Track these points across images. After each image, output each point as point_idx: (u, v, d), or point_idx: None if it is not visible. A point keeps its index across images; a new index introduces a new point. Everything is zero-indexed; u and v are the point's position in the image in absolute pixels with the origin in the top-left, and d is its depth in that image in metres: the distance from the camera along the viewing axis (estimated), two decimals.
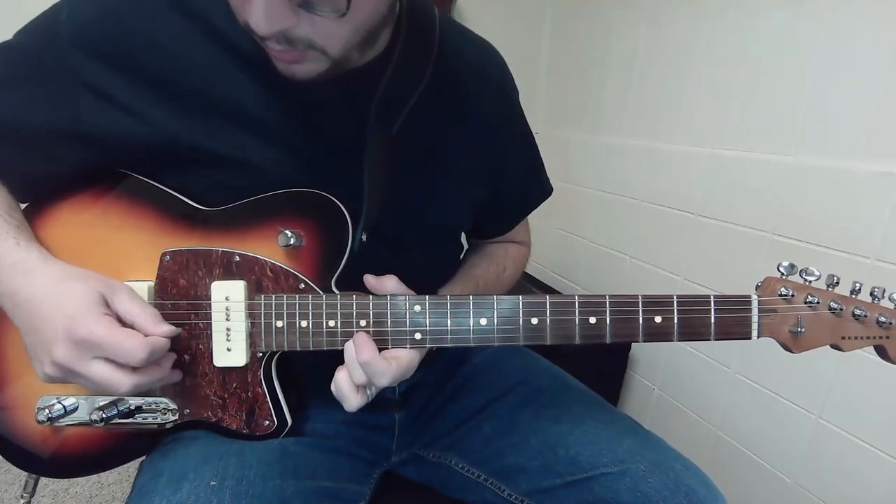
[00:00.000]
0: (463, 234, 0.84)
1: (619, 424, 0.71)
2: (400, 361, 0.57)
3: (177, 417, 0.61)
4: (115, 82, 0.56)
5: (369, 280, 0.59)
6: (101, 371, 0.51)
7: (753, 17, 1.22)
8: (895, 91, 0.97)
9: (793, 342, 0.57)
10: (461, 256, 0.85)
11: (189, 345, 0.60)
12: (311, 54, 0.52)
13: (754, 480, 1.29)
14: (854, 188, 1.03)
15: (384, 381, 0.56)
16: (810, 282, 0.57)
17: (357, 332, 0.57)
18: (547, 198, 0.88)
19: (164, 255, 0.59)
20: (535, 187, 0.86)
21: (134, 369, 0.52)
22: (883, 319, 0.56)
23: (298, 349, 0.59)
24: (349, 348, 0.57)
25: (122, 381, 0.52)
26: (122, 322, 0.54)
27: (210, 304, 0.59)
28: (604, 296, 0.57)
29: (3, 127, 0.59)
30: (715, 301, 0.57)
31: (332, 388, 0.58)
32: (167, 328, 0.55)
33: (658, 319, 0.57)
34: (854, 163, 1.03)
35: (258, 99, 0.59)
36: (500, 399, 0.76)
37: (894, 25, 0.97)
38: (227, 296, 0.58)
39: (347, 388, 0.57)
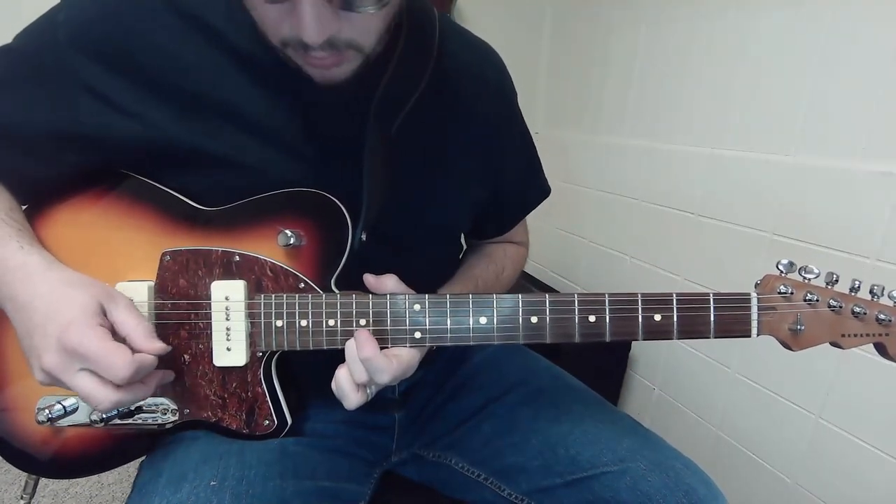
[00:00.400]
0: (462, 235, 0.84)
1: (619, 424, 0.71)
2: (401, 359, 0.57)
3: (176, 417, 0.61)
4: (114, 83, 0.56)
5: (369, 279, 0.59)
6: (84, 384, 0.50)
7: (753, 17, 1.22)
8: (895, 91, 0.97)
9: (792, 340, 0.57)
10: (460, 257, 0.85)
11: (189, 345, 0.60)
12: (350, 54, 0.53)
13: (754, 480, 1.29)
14: (854, 188, 1.03)
15: (385, 378, 0.56)
16: (809, 279, 0.57)
17: (358, 329, 0.57)
18: (545, 198, 0.88)
19: (164, 254, 0.59)
20: (534, 188, 0.86)
21: (118, 386, 0.51)
22: (882, 317, 0.56)
23: (298, 349, 0.59)
24: (350, 345, 0.57)
25: (104, 396, 0.50)
26: (117, 334, 0.53)
27: (210, 303, 0.59)
28: (603, 294, 0.57)
29: (4, 129, 0.59)
30: (714, 299, 0.57)
31: (333, 385, 0.58)
32: (158, 345, 0.54)
33: (657, 318, 0.57)
34: (854, 163, 1.03)
35: (257, 99, 0.59)
36: (500, 398, 0.76)
37: (894, 25, 0.97)
38: (227, 295, 0.58)
39: (348, 385, 0.56)
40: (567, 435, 0.69)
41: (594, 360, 1.51)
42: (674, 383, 1.53)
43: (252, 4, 0.50)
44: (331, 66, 0.53)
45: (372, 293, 0.59)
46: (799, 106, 1.12)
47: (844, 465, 1.09)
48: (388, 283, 0.59)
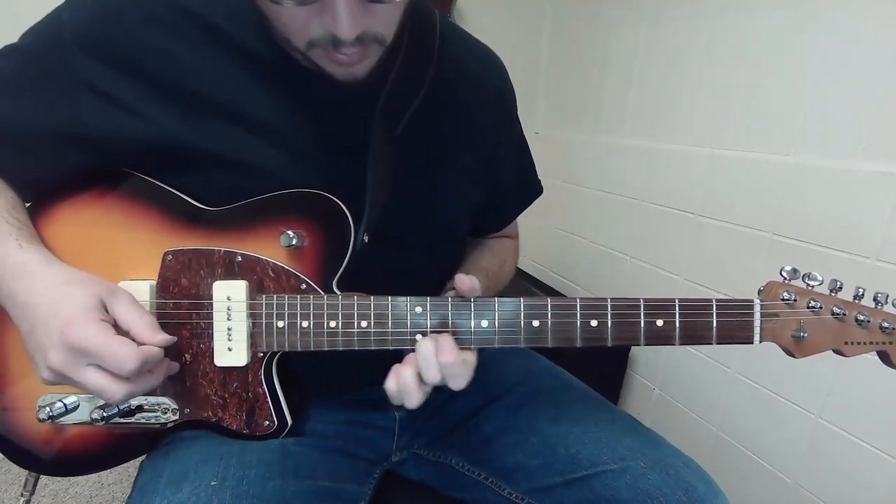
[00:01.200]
0: None
1: (619, 423, 0.71)
2: (471, 365, 0.56)
3: (177, 417, 0.61)
4: (116, 83, 0.56)
5: (463, 282, 0.57)
6: (94, 378, 0.51)
7: (753, 17, 1.22)
8: (895, 91, 0.97)
9: (795, 347, 0.57)
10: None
11: (190, 344, 0.60)
12: (374, 48, 0.54)
13: (754, 480, 1.29)
14: (854, 188, 1.03)
15: (462, 383, 0.55)
16: (813, 286, 0.56)
17: (441, 332, 0.56)
18: (538, 197, 0.90)
19: (166, 254, 0.59)
20: (529, 188, 0.88)
21: (127, 378, 0.52)
22: (886, 325, 0.56)
23: (299, 349, 0.59)
24: (425, 346, 0.55)
25: (115, 389, 0.51)
26: (120, 328, 0.53)
27: (211, 303, 0.59)
28: (605, 299, 0.57)
29: (7, 129, 0.59)
30: (717, 305, 0.56)
31: (390, 384, 0.56)
32: (163, 337, 0.54)
33: (660, 323, 0.57)
34: (854, 163, 1.03)
35: (260, 99, 0.59)
36: (500, 398, 0.76)
37: (894, 25, 0.97)
38: (229, 295, 0.58)
39: (415, 384, 0.55)
40: (567, 434, 0.69)
41: (595, 360, 1.51)
42: (674, 383, 1.53)
43: (273, 10, 0.51)
44: (355, 63, 0.54)
45: (373, 294, 0.59)
46: (799, 106, 1.12)
47: (844, 465, 1.10)
48: (476, 284, 0.58)
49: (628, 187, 1.61)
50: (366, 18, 0.50)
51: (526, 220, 0.92)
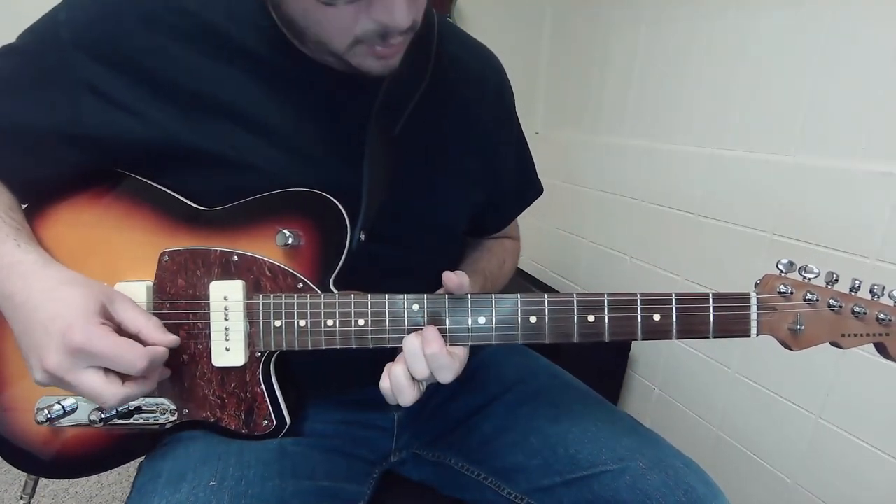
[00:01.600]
0: None
1: (619, 423, 0.71)
2: (459, 358, 0.57)
3: (175, 417, 0.61)
4: (116, 82, 0.56)
5: (451, 279, 0.57)
6: (92, 381, 0.50)
7: (753, 17, 1.22)
8: (895, 91, 0.97)
9: (792, 340, 0.57)
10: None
11: (188, 345, 0.60)
12: (408, 38, 0.55)
13: (754, 480, 1.29)
14: (854, 188, 1.03)
15: (448, 376, 0.55)
16: (809, 279, 0.56)
17: (426, 326, 0.57)
18: (538, 197, 0.90)
19: (162, 255, 0.59)
20: (529, 187, 0.88)
21: (124, 381, 0.52)
22: (882, 317, 0.56)
23: (297, 349, 0.59)
24: (412, 341, 0.55)
25: (113, 392, 0.51)
26: (122, 331, 0.53)
27: (208, 303, 0.59)
28: (602, 294, 0.57)
29: (6, 129, 0.59)
30: (714, 299, 0.56)
31: (384, 383, 0.57)
32: (172, 337, 0.56)
33: (657, 317, 0.57)
34: (854, 163, 1.03)
35: (260, 99, 0.59)
36: (499, 398, 0.76)
37: (894, 25, 0.96)
38: (226, 295, 0.58)
39: (406, 381, 0.56)
40: (566, 434, 0.69)
41: (594, 360, 1.51)
42: (674, 383, 1.53)
43: (315, 14, 0.51)
44: (396, 54, 0.55)
45: (370, 293, 0.59)
46: (799, 106, 1.12)
47: (844, 465, 1.09)
48: (465, 281, 0.58)
49: (628, 187, 1.61)
50: (414, 6, 0.52)
51: (526, 220, 0.92)
